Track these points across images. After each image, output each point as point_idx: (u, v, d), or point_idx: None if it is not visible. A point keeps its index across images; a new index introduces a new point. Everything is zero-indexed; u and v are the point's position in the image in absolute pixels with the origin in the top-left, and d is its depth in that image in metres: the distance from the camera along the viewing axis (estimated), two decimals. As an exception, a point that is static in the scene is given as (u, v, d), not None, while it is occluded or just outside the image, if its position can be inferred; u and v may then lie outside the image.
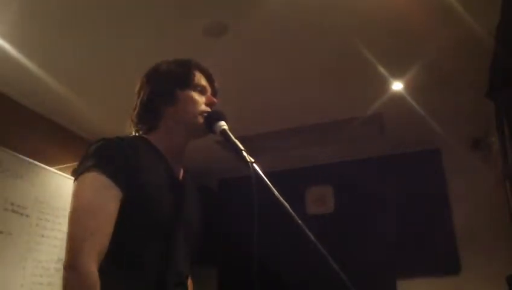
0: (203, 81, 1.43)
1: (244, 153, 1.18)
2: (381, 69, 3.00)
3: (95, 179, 1.16)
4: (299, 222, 1.07)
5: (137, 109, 1.39)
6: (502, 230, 3.62)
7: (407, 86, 3.25)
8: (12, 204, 2.95)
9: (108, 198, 1.15)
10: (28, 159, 3.09)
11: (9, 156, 2.95)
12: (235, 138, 1.25)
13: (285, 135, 3.97)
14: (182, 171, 1.41)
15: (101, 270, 1.10)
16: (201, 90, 1.41)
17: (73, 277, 1.07)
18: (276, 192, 1.10)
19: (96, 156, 1.20)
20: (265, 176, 1.13)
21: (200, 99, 1.38)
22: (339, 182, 4.51)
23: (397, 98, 3.36)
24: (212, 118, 1.33)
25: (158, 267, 1.20)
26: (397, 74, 3.11)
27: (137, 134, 1.40)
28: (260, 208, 1.08)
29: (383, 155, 4.39)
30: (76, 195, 1.17)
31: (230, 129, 1.29)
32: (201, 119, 1.35)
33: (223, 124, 1.30)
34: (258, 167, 1.15)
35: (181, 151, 1.39)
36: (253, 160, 1.17)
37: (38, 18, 2.51)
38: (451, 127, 3.79)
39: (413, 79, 3.13)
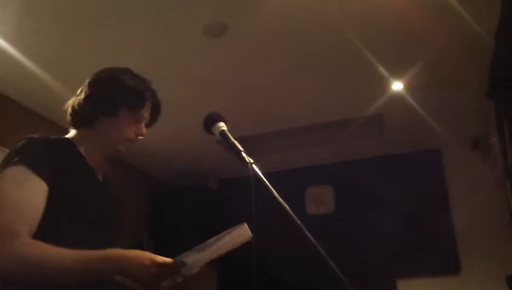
0: (147, 113, 1.44)
1: (243, 154, 1.19)
2: (381, 69, 3.00)
3: (19, 172, 1.18)
4: (299, 222, 1.07)
5: (80, 100, 1.38)
6: (502, 230, 3.62)
7: (407, 86, 3.25)
8: (12, 204, 2.94)
9: (33, 189, 1.17)
10: (28, 159, 3.08)
11: (9, 156, 2.95)
12: (235, 138, 1.25)
13: (285, 135, 3.97)
14: (102, 173, 1.44)
15: None
16: (140, 120, 1.42)
17: (13, 265, 1.07)
18: (275, 193, 1.10)
19: (21, 152, 1.22)
20: (265, 176, 1.14)
21: (133, 127, 1.40)
22: (339, 182, 4.50)
23: (397, 98, 3.36)
24: (211, 120, 1.33)
25: None
26: (397, 74, 3.11)
27: (70, 125, 1.41)
28: (260, 208, 1.08)
29: (383, 155, 4.39)
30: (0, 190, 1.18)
31: (229, 130, 1.29)
32: (122, 146, 1.39)
33: (222, 125, 1.30)
34: (257, 167, 1.15)
35: (100, 159, 1.40)
36: (252, 161, 1.17)
37: (38, 18, 2.51)
38: (451, 127, 3.79)
39: (413, 79, 3.13)
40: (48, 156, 1.23)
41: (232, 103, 3.42)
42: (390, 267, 4.06)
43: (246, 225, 1.24)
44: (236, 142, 1.23)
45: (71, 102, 1.41)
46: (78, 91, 1.41)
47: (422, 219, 4.09)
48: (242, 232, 1.24)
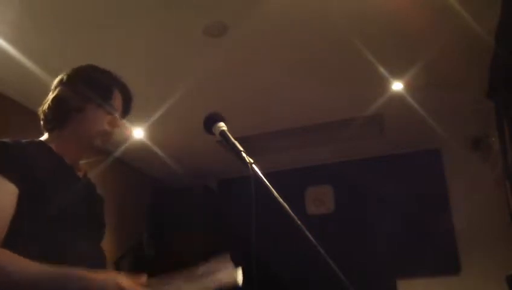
0: (118, 102, 1.44)
1: (243, 154, 1.18)
2: (381, 69, 3.00)
3: None
4: (299, 222, 1.07)
5: (48, 103, 1.40)
6: (502, 230, 3.62)
7: (407, 86, 3.25)
8: (12, 204, 2.94)
9: (1, 193, 1.16)
10: (28, 159, 3.08)
11: (9, 156, 2.94)
12: (235, 138, 1.25)
13: (285, 135, 3.97)
14: (83, 170, 1.43)
15: None
16: (111, 112, 1.41)
17: None
18: (275, 193, 1.10)
19: None
20: (265, 176, 1.13)
21: (106, 118, 1.39)
22: (339, 182, 4.51)
23: (397, 98, 3.36)
24: (211, 120, 1.33)
25: (67, 263, 1.19)
26: (397, 74, 3.11)
27: (44, 129, 1.41)
28: (260, 208, 1.08)
29: (383, 155, 4.39)
30: None
31: (229, 130, 1.29)
32: (98, 140, 1.38)
33: (222, 125, 1.29)
34: (257, 167, 1.15)
35: (78, 157, 1.41)
36: (252, 161, 1.17)
37: (38, 18, 2.51)
38: (451, 127, 3.79)
39: (413, 79, 3.13)
40: (19, 158, 1.22)
41: (232, 103, 3.42)
42: (390, 267, 4.06)
43: (235, 269, 1.24)
44: (236, 142, 1.23)
45: (41, 108, 1.42)
46: (47, 97, 1.42)
47: (422, 219, 4.10)
48: (231, 275, 1.23)
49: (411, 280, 4.01)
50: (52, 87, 1.43)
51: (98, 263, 1.30)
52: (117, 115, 1.43)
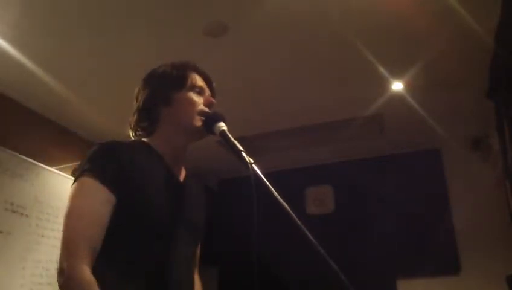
0: (201, 82, 1.43)
1: (244, 154, 1.18)
2: (381, 69, 3.00)
3: (86, 183, 1.18)
4: (299, 222, 1.07)
5: (135, 114, 1.40)
6: (502, 230, 3.62)
7: (407, 86, 3.25)
8: (12, 204, 2.95)
9: (99, 202, 1.16)
10: (28, 159, 3.09)
11: (9, 156, 2.95)
12: (235, 138, 1.25)
13: (285, 135, 3.97)
14: (183, 173, 1.41)
15: (99, 275, 1.09)
16: (199, 92, 1.41)
17: (63, 281, 1.07)
18: (275, 193, 1.10)
19: (91, 160, 1.21)
20: (265, 176, 1.13)
21: (198, 100, 1.38)
22: (339, 182, 4.51)
23: (397, 98, 3.36)
24: (211, 119, 1.33)
25: (157, 271, 1.19)
26: (397, 74, 3.11)
27: (136, 138, 1.40)
28: (260, 208, 1.08)
29: (383, 155, 4.39)
30: (69, 200, 1.18)
31: (229, 130, 1.29)
32: (199, 120, 1.35)
33: (222, 125, 1.30)
34: (258, 167, 1.15)
35: (181, 154, 1.40)
36: (252, 161, 1.17)
37: (39, 18, 2.51)
38: (451, 127, 3.79)
39: (413, 79, 3.13)
40: (116, 163, 1.20)
41: (232, 103, 3.41)
42: (390, 267, 4.06)
43: None
44: (236, 142, 1.23)
45: (130, 120, 1.42)
46: (133, 112, 1.42)
47: (422, 219, 4.09)
48: None
49: (411, 280, 4.00)
50: (135, 98, 1.43)
51: (177, 274, 1.24)
52: (207, 94, 1.42)
